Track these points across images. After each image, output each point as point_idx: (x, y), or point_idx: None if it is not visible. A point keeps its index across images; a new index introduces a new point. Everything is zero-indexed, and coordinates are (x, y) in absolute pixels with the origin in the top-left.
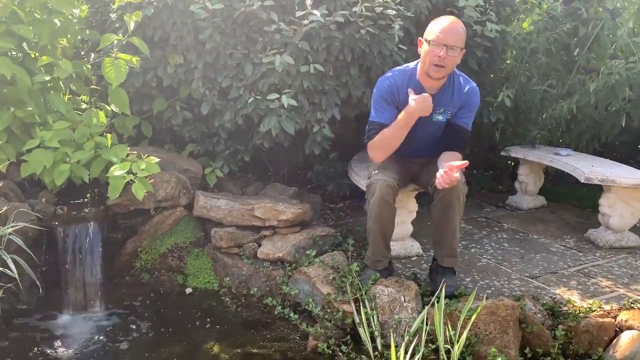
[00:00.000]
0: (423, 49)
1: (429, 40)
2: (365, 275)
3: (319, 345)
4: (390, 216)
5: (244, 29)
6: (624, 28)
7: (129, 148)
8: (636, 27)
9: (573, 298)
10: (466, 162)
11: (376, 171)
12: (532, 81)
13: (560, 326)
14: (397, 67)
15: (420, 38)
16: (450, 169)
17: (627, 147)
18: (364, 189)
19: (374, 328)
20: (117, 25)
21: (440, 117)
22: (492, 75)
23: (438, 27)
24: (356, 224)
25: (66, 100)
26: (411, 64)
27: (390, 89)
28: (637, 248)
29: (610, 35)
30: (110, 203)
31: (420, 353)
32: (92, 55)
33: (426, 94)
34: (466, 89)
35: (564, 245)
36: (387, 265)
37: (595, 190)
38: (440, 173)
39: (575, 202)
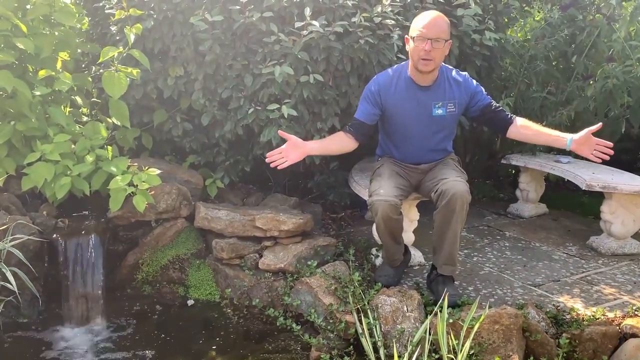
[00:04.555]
0: (409, 45)
1: (414, 37)
2: (382, 271)
3: (322, 356)
4: (397, 225)
5: (243, 40)
6: (619, 32)
7: (129, 160)
8: (631, 31)
9: (576, 306)
10: (600, 124)
11: (378, 189)
12: (531, 89)
13: (564, 334)
14: (388, 69)
15: (406, 36)
16: (587, 137)
17: (628, 154)
18: (365, 198)
19: (376, 338)
20: (117, 37)
21: (440, 111)
22: (491, 84)
23: (420, 22)
24: (357, 233)
25: (67, 113)
26: (400, 64)
27: (376, 89)
28: None
29: (605, 41)
30: (111, 215)
31: None
32: (93, 68)
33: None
34: (462, 79)
35: (567, 253)
36: (402, 259)
37: (597, 197)
38: (577, 140)
39: (576, 209)
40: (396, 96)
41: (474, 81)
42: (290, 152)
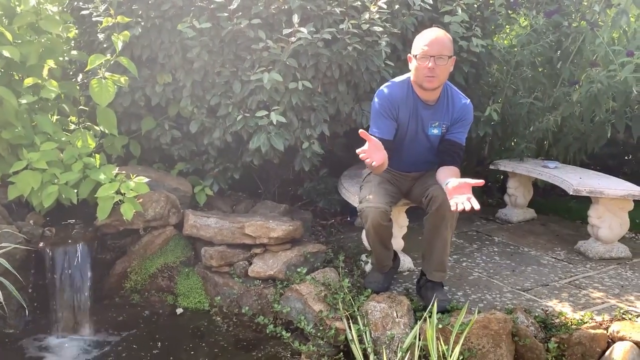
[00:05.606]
0: (412, 64)
1: (416, 55)
2: (372, 277)
3: None
4: (387, 232)
5: (232, 47)
6: (602, 37)
7: (117, 168)
8: (614, 36)
9: (565, 310)
10: (482, 181)
11: (368, 196)
12: (518, 94)
13: (552, 338)
14: (396, 79)
15: (409, 54)
16: (463, 186)
17: (614, 159)
18: (355, 205)
19: (366, 345)
20: (105, 45)
21: (435, 131)
22: (479, 91)
23: (422, 41)
24: (347, 239)
25: (54, 121)
26: (404, 76)
27: (391, 101)
28: (627, 259)
29: (590, 47)
30: (99, 224)
31: None
32: (80, 75)
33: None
34: (460, 104)
35: (555, 258)
36: (391, 265)
37: (584, 202)
38: (453, 184)
39: (564, 214)
40: (406, 110)
41: (472, 116)
42: (374, 153)
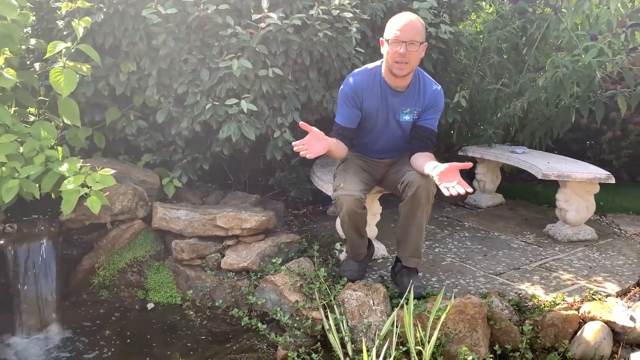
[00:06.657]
0: (384, 49)
1: (388, 40)
2: (347, 266)
3: (289, 354)
4: (362, 220)
5: (198, 33)
6: (566, 23)
7: (81, 160)
8: (578, 22)
9: (537, 292)
10: (470, 164)
11: (341, 184)
12: (486, 80)
13: (527, 321)
14: (364, 67)
15: (381, 38)
16: (451, 170)
17: (578, 143)
18: (328, 193)
19: (344, 333)
20: (65, 32)
21: (407, 117)
22: (447, 78)
23: (395, 25)
24: (321, 229)
25: (12, 112)
26: (377, 63)
27: (354, 90)
28: (593, 241)
29: (554, 33)
30: (64, 218)
31: (392, 356)
32: (38, 65)
33: (316, 131)
34: (432, 90)
35: (525, 241)
36: (366, 252)
37: (550, 187)
38: (441, 169)
39: (531, 198)
40: (372, 98)
41: (443, 102)
42: (314, 144)
